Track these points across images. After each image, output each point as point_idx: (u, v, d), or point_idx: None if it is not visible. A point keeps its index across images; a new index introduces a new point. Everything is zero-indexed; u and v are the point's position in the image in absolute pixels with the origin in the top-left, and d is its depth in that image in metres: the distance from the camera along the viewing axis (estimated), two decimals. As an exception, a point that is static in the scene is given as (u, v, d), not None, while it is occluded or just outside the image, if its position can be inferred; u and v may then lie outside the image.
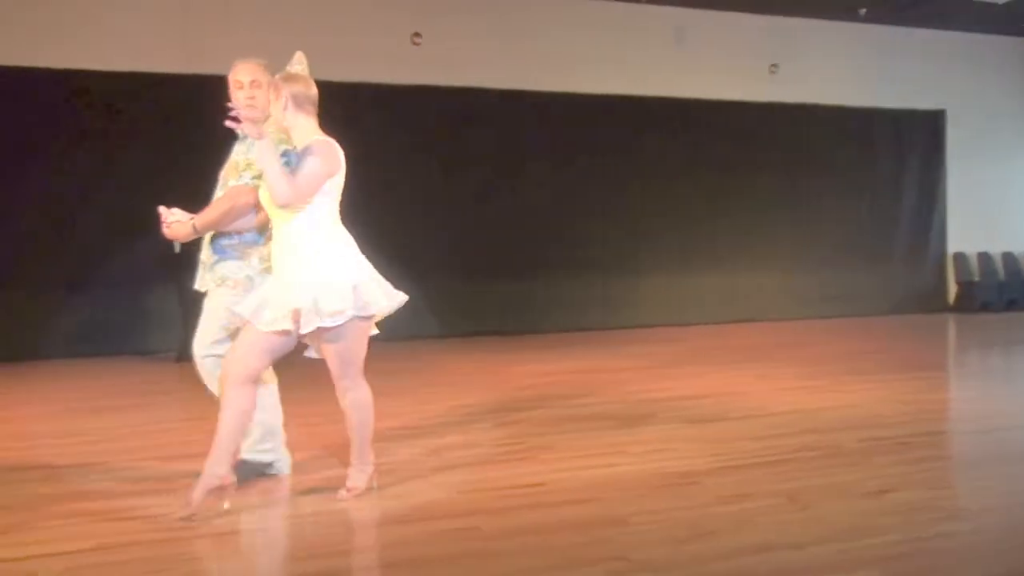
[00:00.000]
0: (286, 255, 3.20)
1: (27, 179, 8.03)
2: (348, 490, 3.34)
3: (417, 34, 9.23)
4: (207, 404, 5.73)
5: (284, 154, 3.26)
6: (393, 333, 9.25)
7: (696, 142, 10.38)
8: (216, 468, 3.11)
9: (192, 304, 7.58)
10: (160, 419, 5.11)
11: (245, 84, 3.46)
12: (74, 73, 8.14)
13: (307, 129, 3.22)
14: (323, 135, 3.25)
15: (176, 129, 8.10)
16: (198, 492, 3.10)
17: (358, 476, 3.39)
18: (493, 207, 9.54)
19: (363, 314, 3.18)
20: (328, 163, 3.17)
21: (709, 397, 5.49)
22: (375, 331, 3.37)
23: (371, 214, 8.89)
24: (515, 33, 9.69)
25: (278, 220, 3.21)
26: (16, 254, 7.97)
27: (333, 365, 3.29)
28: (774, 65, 10.79)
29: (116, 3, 8.42)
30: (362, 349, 3.31)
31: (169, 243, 3.50)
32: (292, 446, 3.87)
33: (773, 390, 5.68)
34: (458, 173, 9.39)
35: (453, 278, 9.28)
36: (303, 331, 3.15)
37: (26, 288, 7.97)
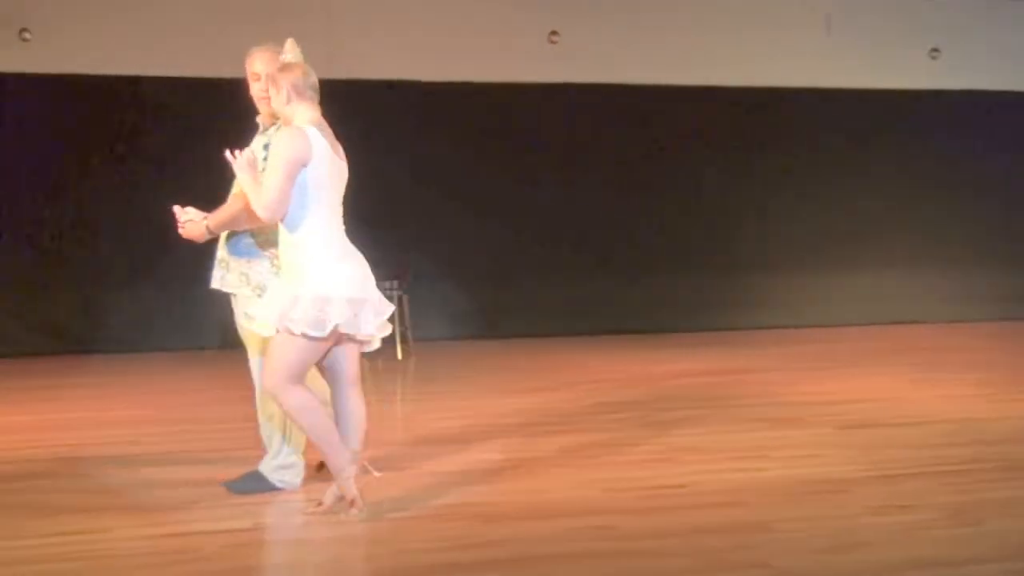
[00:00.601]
0: (282, 261, 3.12)
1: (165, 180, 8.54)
2: (350, 502, 3.09)
3: (555, 32, 9.25)
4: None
5: (265, 148, 3.18)
6: (536, 331, 9.24)
7: (845, 134, 9.88)
8: (337, 465, 3.06)
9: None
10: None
11: (262, 76, 3.30)
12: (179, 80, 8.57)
13: (307, 117, 3.04)
14: (322, 122, 3.08)
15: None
16: (331, 496, 3.13)
17: (343, 487, 3.10)
18: (634, 204, 9.43)
19: (313, 333, 2.93)
20: (289, 149, 2.93)
21: (860, 402, 5.23)
22: (374, 346, 3.20)
23: (512, 212, 9.14)
24: (655, 27, 9.53)
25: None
26: (153, 253, 8.45)
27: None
28: (935, 50, 10.13)
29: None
30: (290, 359, 3.00)
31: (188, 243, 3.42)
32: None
33: (932, 397, 5.34)
34: (597, 169, 9.36)
35: (595, 276, 9.25)
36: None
37: (187, 283, 8.49)
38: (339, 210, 3.15)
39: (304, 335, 2.92)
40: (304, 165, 2.95)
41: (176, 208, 3.35)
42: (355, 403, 3.16)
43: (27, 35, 8.29)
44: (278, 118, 3.20)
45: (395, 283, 7.63)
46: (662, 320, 9.31)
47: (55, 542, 2.93)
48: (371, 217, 8.60)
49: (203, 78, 8.35)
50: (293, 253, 3.03)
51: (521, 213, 8.94)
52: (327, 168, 3.02)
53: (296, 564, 2.72)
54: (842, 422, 4.63)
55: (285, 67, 3.07)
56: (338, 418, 3.14)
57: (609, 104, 9.32)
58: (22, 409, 5.51)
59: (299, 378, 3.02)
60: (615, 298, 9.28)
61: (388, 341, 7.71)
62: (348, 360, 3.14)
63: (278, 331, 2.97)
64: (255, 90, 3.38)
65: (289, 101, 3.05)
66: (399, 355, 7.47)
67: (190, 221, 3.32)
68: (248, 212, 3.15)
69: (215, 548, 2.85)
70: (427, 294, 8.52)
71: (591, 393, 5.70)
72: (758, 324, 9.53)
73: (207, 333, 8.42)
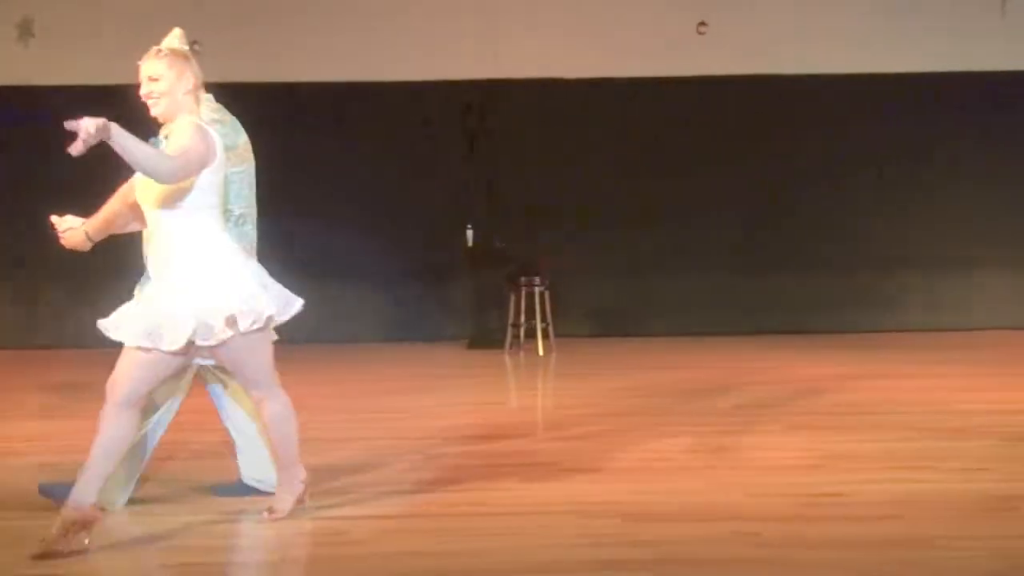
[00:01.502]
0: (160, 263, 2.83)
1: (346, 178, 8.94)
2: (270, 511, 3.00)
3: (703, 23, 9.02)
4: (497, 390, 6.13)
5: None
6: (678, 330, 9.06)
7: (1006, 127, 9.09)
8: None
9: (481, 294, 8.14)
10: (455, 402, 5.46)
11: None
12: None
13: (194, 113, 2.85)
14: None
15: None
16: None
17: (283, 497, 3.02)
18: (782, 199, 9.08)
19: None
20: (195, 140, 2.71)
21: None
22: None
23: (658, 208, 9.00)
24: (811, 13, 9.12)
25: (155, 219, 2.82)
26: (347, 249, 8.86)
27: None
28: None
29: (415, 8, 9.05)
30: (267, 358, 2.97)
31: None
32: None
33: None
34: (743, 164, 9.05)
35: (737, 275, 8.98)
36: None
37: (351, 277, 8.90)
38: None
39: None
40: (206, 163, 2.76)
41: (54, 217, 3.11)
42: (276, 421, 3.00)
43: (197, 47, 8.86)
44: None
45: (536, 279, 7.69)
46: (804, 320, 8.91)
47: (204, 520, 3.12)
48: (515, 211, 8.83)
49: (358, 82, 8.73)
50: (183, 252, 2.83)
51: (667, 209, 8.79)
52: (219, 174, 2.87)
53: (441, 552, 2.78)
54: (1010, 434, 4.29)
55: (185, 54, 2.88)
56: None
57: (759, 96, 9.01)
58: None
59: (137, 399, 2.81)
60: (758, 297, 8.98)
61: (530, 337, 7.86)
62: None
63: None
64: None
65: (190, 93, 2.85)
66: (540, 351, 7.52)
67: (70, 229, 3.09)
68: (134, 212, 2.97)
69: (363, 533, 2.96)
70: (570, 290, 8.54)
71: (734, 393, 5.54)
72: (893, 326, 8.94)
73: (366, 326, 8.83)
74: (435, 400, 5.49)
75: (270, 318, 2.86)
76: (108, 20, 8.84)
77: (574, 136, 8.74)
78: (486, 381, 6.43)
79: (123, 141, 2.47)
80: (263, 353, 2.94)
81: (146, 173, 2.60)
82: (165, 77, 2.78)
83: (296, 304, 3.01)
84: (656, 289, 8.78)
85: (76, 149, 2.40)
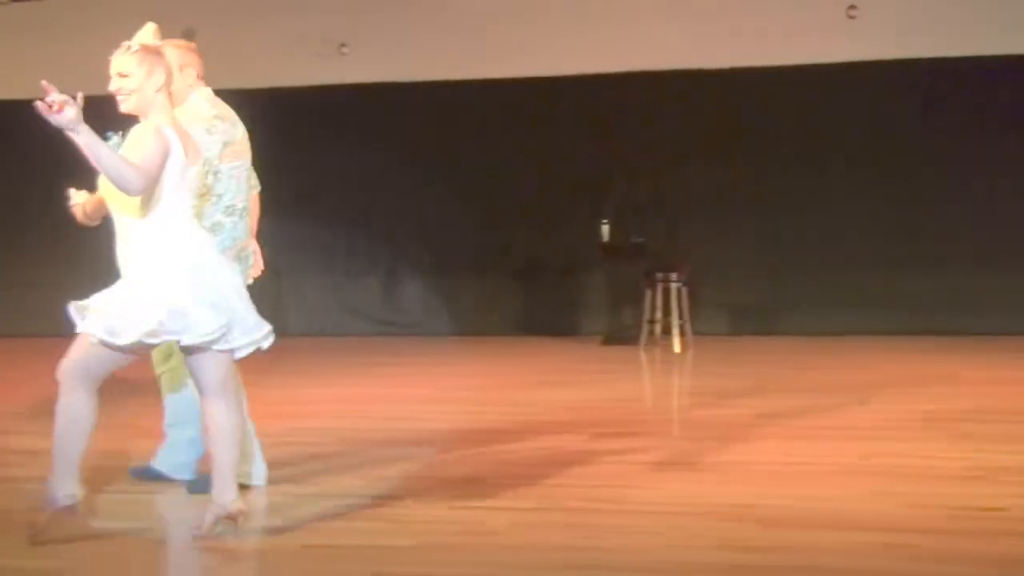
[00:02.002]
0: (124, 260, 2.87)
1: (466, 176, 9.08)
2: (195, 528, 2.84)
3: (853, 6, 8.57)
4: (632, 387, 6.06)
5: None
6: (820, 329, 8.67)
7: None
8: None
9: (616, 289, 8.07)
10: (589, 397, 5.44)
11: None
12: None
13: (166, 115, 2.77)
14: (180, 125, 2.83)
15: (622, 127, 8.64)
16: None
17: (208, 513, 2.81)
18: (934, 191, 8.50)
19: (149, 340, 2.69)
20: (151, 146, 2.66)
21: None
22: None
23: (799, 202, 8.64)
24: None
25: (118, 219, 2.85)
26: (482, 243, 9.02)
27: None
28: None
29: (545, 4, 9.08)
30: (220, 365, 2.81)
31: None
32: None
33: None
34: (892, 155, 8.56)
35: (884, 272, 8.50)
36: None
37: (480, 271, 9.05)
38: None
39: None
40: (167, 157, 2.72)
41: (71, 190, 3.11)
42: (219, 419, 2.81)
43: (345, 50, 9.23)
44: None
45: (674, 275, 7.55)
46: (960, 321, 8.32)
47: (350, 503, 3.24)
48: (652, 205, 8.72)
49: (495, 79, 8.85)
50: (151, 250, 2.81)
51: (809, 204, 8.45)
52: (181, 168, 2.78)
53: (575, 547, 2.77)
54: None
55: (158, 49, 2.83)
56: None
57: (910, 82, 8.49)
58: (336, 381, 6.18)
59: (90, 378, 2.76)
60: (906, 296, 8.46)
61: (666, 333, 7.72)
62: (203, 368, 2.82)
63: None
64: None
65: (161, 88, 2.78)
66: (676, 348, 7.39)
67: (76, 204, 3.10)
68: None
69: (499, 524, 2.99)
70: (708, 287, 8.36)
71: (882, 397, 5.24)
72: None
73: (499, 320, 8.95)
74: (569, 396, 5.49)
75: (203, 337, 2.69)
76: (262, 27, 9.34)
77: (714, 127, 8.52)
78: (621, 378, 6.37)
79: (95, 147, 2.50)
80: (215, 365, 2.80)
81: (112, 182, 2.59)
82: (135, 74, 2.72)
83: (257, 334, 2.85)
84: (797, 287, 8.44)
85: (45, 109, 2.43)
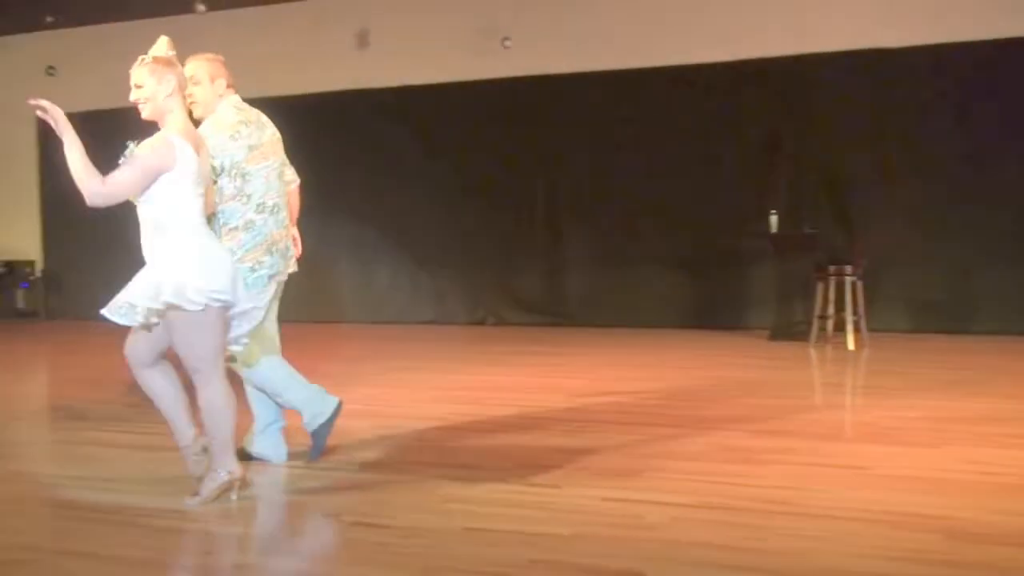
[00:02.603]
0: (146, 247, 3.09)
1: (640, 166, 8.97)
2: (194, 494, 3.10)
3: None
4: (801, 385, 5.79)
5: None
6: (1012, 328, 7.96)
7: None
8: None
9: (785, 282, 7.72)
10: (756, 394, 5.26)
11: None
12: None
13: (180, 122, 3.04)
14: (192, 130, 3.08)
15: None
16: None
17: (207, 483, 3.10)
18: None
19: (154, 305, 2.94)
20: (145, 164, 2.92)
21: None
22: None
23: (991, 193, 7.95)
24: None
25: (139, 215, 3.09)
26: (648, 235, 8.92)
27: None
28: None
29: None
30: (203, 345, 3.01)
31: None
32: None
33: None
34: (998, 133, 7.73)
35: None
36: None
37: (647, 262, 8.95)
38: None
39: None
40: (162, 172, 3.00)
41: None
42: (212, 397, 3.08)
43: (508, 43, 9.35)
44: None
45: (848, 268, 7.15)
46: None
47: (508, 489, 3.28)
48: (824, 194, 8.29)
49: (657, 67, 8.70)
50: (158, 243, 3.10)
51: (996, 193, 7.76)
52: (187, 177, 3.04)
53: (737, 547, 2.68)
54: None
55: (172, 62, 3.08)
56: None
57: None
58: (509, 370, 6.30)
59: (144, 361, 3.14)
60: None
61: (839, 329, 7.33)
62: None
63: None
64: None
65: (170, 95, 3.06)
66: (850, 345, 7.00)
67: None
68: None
69: (658, 518, 2.94)
70: (886, 281, 7.88)
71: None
72: None
73: (664, 311, 8.83)
74: (735, 391, 5.33)
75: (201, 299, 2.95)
76: (431, 26, 9.64)
77: (890, 111, 8.01)
78: (789, 374, 6.12)
79: (69, 152, 2.83)
80: (203, 340, 3.01)
81: (79, 188, 2.88)
82: (147, 84, 3.00)
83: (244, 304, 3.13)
84: (989, 282, 7.79)
85: (42, 113, 2.82)
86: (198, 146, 3.07)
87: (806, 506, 3.06)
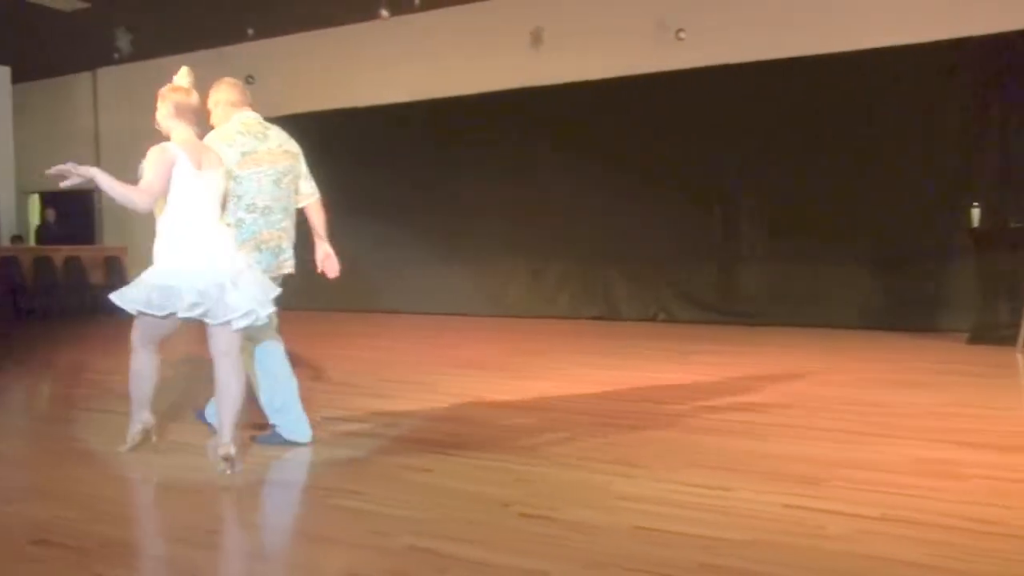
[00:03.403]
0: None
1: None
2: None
3: None
4: (1007, 394, 5.28)
5: None
6: None
7: None
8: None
9: (988, 282, 7.08)
10: (954, 403, 4.85)
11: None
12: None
13: (180, 134, 3.59)
14: (193, 140, 3.58)
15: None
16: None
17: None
18: None
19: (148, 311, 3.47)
20: (154, 163, 3.44)
21: None
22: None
23: None
24: None
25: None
26: (828, 230, 8.48)
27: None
28: None
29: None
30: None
31: None
32: None
33: None
34: None
35: None
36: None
37: (833, 258, 8.50)
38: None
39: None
40: (168, 169, 3.50)
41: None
42: (223, 377, 3.52)
43: (682, 35, 9.15)
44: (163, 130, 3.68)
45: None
46: None
47: (681, 490, 3.19)
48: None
49: (845, 52, 8.23)
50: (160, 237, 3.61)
51: None
52: (189, 177, 3.51)
53: (924, 565, 2.47)
54: None
55: (174, 88, 3.65)
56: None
57: None
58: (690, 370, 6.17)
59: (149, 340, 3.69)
60: None
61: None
62: (213, 335, 3.52)
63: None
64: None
65: (168, 117, 3.61)
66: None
67: None
68: None
69: (839, 529, 2.77)
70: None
71: None
72: None
73: (846, 311, 8.37)
74: (929, 398, 4.93)
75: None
76: (603, 23, 9.60)
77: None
78: (992, 382, 5.59)
79: (107, 187, 3.31)
80: (220, 335, 3.53)
81: (128, 207, 3.38)
82: (158, 108, 3.65)
83: (233, 315, 3.48)
84: None
85: (65, 182, 3.29)
86: (196, 153, 3.58)
87: (1012, 526, 2.77)
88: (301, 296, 4.95)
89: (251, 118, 4.00)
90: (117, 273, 12.40)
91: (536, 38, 9.95)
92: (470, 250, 10.47)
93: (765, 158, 8.82)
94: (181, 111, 3.60)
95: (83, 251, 12.38)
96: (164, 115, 3.63)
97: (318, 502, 3.15)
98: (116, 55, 10.91)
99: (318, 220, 4.18)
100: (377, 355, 7.15)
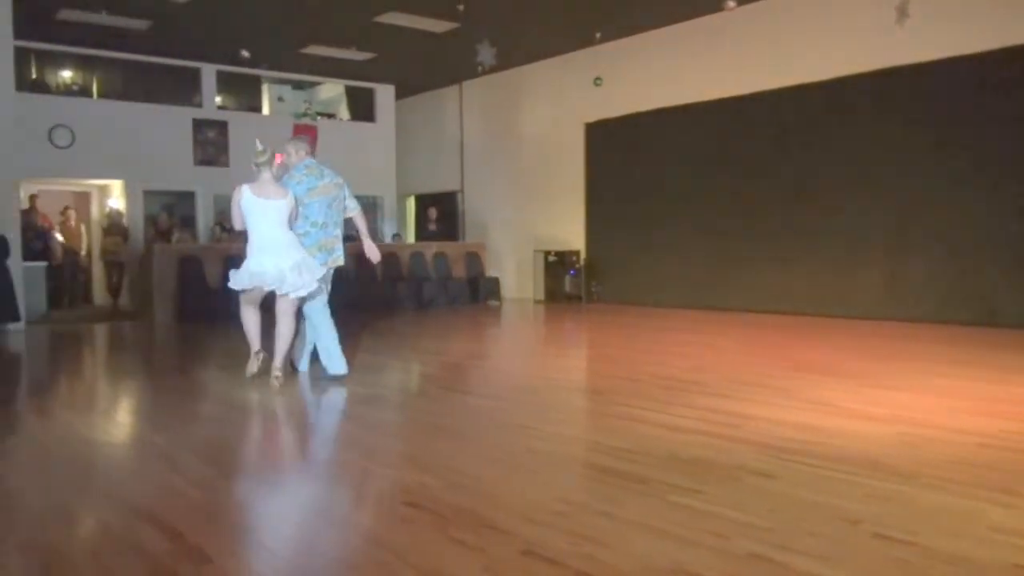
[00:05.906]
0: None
1: None
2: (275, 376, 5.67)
3: None
4: None
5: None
6: None
7: None
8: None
9: None
10: None
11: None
12: None
13: (260, 179, 5.60)
14: (263, 183, 5.57)
15: None
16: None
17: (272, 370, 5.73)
18: None
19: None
20: (234, 197, 5.56)
21: None
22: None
23: None
24: None
25: None
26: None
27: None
28: None
29: None
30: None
31: None
32: None
33: None
34: None
35: None
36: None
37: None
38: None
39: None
40: (239, 205, 5.54)
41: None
42: (279, 326, 5.63)
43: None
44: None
45: None
46: None
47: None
48: None
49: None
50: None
51: None
52: (245, 208, 5.52)
53: None
54: None
55: (259, 153, 5.57)
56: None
57: None
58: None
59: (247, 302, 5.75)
60: None
61: None
62: (278, 301, 5.61)
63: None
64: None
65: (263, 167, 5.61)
66: None
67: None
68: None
69: None
70: None
71: None
72: None
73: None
74: None
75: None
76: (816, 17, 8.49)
77: None
78: None
79: (236, 218, 5.64)
80: (282, 302, 5.63)
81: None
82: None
83: (288, 288, 5.53)
84: None
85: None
86: (265, 192, 5.51)
87: None
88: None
89: (312, 163, 5.90)
90: (475, 267, 13.56)
91: (902, 12, 9.06)
92: (820, 249, 9.87)
93: None
94: (262, 163, 5.56)
95: (448, 247, 13.70)
96: (253, 162, 5.54)
97: (658, 496, 3.15)
98: (479, 68, 11.89)
99: (361, 224, 6.10)
100: (722, 355, 7.01)
